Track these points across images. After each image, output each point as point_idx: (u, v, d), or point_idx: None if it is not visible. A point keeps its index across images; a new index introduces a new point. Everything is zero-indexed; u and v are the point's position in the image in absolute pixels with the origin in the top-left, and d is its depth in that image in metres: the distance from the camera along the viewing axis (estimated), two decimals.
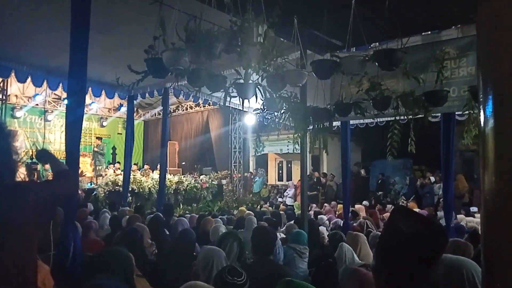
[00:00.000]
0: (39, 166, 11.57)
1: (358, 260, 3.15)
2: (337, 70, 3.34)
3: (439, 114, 6.27)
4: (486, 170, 1.08)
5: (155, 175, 12.23)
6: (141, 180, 11.56)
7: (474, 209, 9.37)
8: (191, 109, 16.83)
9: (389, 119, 5.49)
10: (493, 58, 1.09)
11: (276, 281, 1.82)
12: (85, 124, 14.69)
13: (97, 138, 13.68)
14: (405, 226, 1.17)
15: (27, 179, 9.38)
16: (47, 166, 11.72)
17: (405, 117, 3.84)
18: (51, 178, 1.96)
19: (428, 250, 1.17)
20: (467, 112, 4.14)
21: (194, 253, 3.42)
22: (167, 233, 5.01)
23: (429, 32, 5.15)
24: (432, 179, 11.94)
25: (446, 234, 1.24)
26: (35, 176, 10.47)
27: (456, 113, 5.71)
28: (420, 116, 3.83)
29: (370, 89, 3.72)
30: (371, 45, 4.50)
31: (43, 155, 2.09)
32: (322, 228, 6.10)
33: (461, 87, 4.73)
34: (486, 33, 1.13)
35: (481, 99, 1.11)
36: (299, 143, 4.48)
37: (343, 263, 3.09)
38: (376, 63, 3.16)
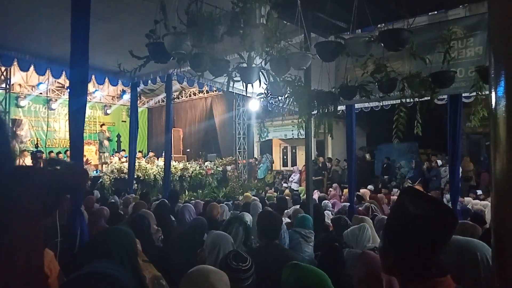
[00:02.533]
0: (44, 155, 11.66)
1: (370, 244, 3.13)
2: (342, 52, 3.27)
3: (445, 97, 6.20)
4: (497, 151, 1.05)
5: (160, 162, 12.28)
6: (146, 167, 11.62)
7: (479, 191, 9.37)
8: (195, 95, 16.78)
9: (394, 102, 5.43)
10: (506, 35, 1.05)
11: (282, 265, 1.82)
12: (89, 112, 14.74)
13: (101, 125, 13.65)
14: (413, 207, 1.15)
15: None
16: (53, 155, 11.84)
17: (411, 100, 3.79)
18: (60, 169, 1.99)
19: (436, 231, 1.15)
20: (474, 93, 4.08)
21: (203, 239, 3.44)
22: (173, 219, 5.04)
23: (436, 12, 5.04)
24: (439, 162, 11.90)
25: (455, 216, 1.21)
26: (41, 165, 10.55)
27: (463, 95, 5.64)
28: (427, 98, 3.77)
29: (376, 71, 3.65)
30: (377, 26, 4.42)
31: (53, 160, 2.15)
32: (327, 213, 6.12)
33: (468, 67, 4.65)
34: (499, 8, 1.09)
35: (492, 78, 1.08)
36: (304, 127, 4.44)
37: (361, 245, 3.06)
38: (382, 44, 3.09)
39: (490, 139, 1.09)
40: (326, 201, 7.58)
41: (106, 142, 12.60)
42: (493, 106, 1.07)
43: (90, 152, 12.99)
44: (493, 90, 1.06)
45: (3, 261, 1.37)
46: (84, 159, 4.08)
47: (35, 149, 11.15)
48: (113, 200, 6.36)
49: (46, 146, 13.66)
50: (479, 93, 3.88)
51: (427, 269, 1.14)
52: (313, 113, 4.22)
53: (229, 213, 5.17)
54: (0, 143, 1.47)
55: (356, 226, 3.33)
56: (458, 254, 1.68)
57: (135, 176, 10.18)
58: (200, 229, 3.54)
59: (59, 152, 12.78)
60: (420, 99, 3.71)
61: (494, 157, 1.05)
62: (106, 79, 8.75)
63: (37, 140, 12.53)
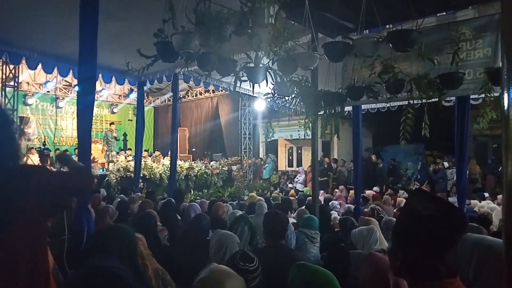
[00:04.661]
0: (51, 153, 11.75)
1: (377, 246, 3.11)
2: (350, 52, 3.26)
3: (452, 98, 6.16)
4: (509, 153, 1.04)
5: (166, 161, 12.31)
6: (152, 166, 11.64)
7: (486, 194, 9.29)
8: (201, 95, 16.81)
9: (401, 103, 5.41)
10: None
11: (288, 265, 1.81)
12: (96, 111, 14.79)
13: (110, 124, 13.69)
14: (423, 208, 1.15)
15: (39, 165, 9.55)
16: (58, 152, 11.86)
17: (419, 101, 3.77)
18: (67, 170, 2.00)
19: (446, 232, 1.15)
20: (482, 95, 4.05)
21: (208, 238, 3.43)
22: (179, 218, 5.04)
23: (444, 13, 5.01)
24: (446, 164, 11.82)
25: (465, 216, 1.21)
26: (48, 162, 10.62)
27: (471, 97, 5.60)
28: (434, 99, 3.75)
29: (383, 72, 3.64)
30: (385, 27, 4.40)
31: (63, 158, 2.16)
32: (333, 213, 6.10)
33: (477, 69, 4.62)
34: None
35: (504, 80, 1.07)
36: (310, 128, 4.43)
37: (367, 247, 3.05)
38: (390, 45, 3.08)
39: (502, 140, 1.08)
40: (335, 201, 7.56)
41: (112, 141, 12.65)
42: (505, 108, 1.05)
43: (96, 151, 13.02)
44: (505, 91, 1.05)
45: (6, 258, 1.38)
46: (91, 157, 4.10)
47: (43, 147, 11.22)
48: (118, 199, 6.39)
49: (54, 144, 13.77)
50: (488, 95, 3.86)
51: (436, 270, 1.14)
52: (319, 113, 4.21)
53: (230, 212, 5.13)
54: (5, 141, 1.49)
55: (365, 227, 3.31)
56: (482, 253, 1.66)
57: (141, 175, 10.21)
58: (202, 227, 3.51)
59: (66, 150, 12.85)
60: (427, 101, 3.69)
61: (506, 158, 1.04)
62: (113, 78, 8.79)
63: (45, 138, 12.63)
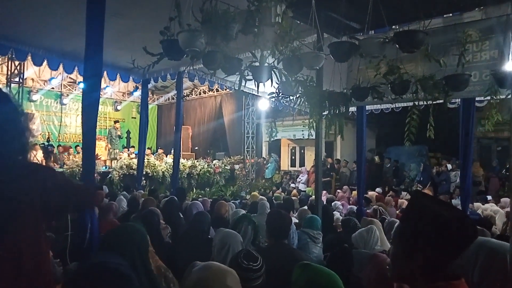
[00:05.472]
0: (55, 149, 11.79)
1: (379, 246, 3.10)
2: (356, 52, 3.24)
3: (457, 100, 6.14)
4: None
5: (169, 159, 12.34)
6: (155, 164, 11.68)
7: (489, 197, 9.25)
8: (205, 93, 16.84)
9: (406, 104, 5.38)
10: None
11: (291, 265, 1.81)
12: (99, 108, 14.79)
13: (115, 122, 13.71)
14: (443, 211, 1.13)
15: (43, 162, 9.59)
16: (61, 148, 11.90)
17: (423, 103, 3.75)
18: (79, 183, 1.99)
19: (466, 235, 1.15)
20: (487, 98, 4.03)
21: (209, 236, 3.44)
22: (181, 216, 5.05)
23: (451, 14, 4.98)
24: (449, 166, 11.78)
25: (473, 220, 1.20)
26: (51, 159, 10.66)
27: (475, 99, 5.57)
28: (439, 101, 3.73)
29: (389, 72, 3.62)
30: (391, 28, 4.38)
31: None
32: (336, 213, 6.09)
33: (483, 71, 4.59)
34: None
35: None
36: (314, 128, 4.42)
37: (369, 247, 3.04)
38: (396, 45, 3.07)
39: (510, 143, 1.07)
40: (338, 202, 7.54)
41: (115, 139, 12.69)
42: None
43: (100, 148, 13.06)
44: None
45: (9, 255, 1.38)
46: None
47: (46, 143, 11.28)
48: (121, 197, 6.41)
49: (58, 140, 13.82)
50: (494, 97, 3.83)
51: (444, 272, 1.13)
52: (324, 113, 4.20)
53: (233, 211, 5.15)
54: (15, 135, 1.49)
55: (364, 228, 3.31)
56: (487, 255, 1.65)
57: (144, 173, 10.23)
58: (203, 225, 3.51)
59: (69, 147, 12.91)
60: (433, 102, 3.67)
61: None
62: (118, 75, 8.80)
63: (48, 135, 12.68)
